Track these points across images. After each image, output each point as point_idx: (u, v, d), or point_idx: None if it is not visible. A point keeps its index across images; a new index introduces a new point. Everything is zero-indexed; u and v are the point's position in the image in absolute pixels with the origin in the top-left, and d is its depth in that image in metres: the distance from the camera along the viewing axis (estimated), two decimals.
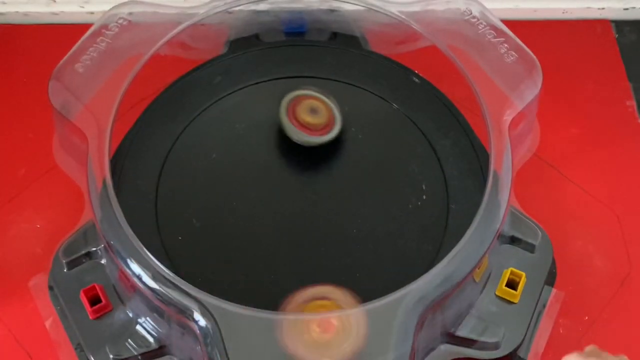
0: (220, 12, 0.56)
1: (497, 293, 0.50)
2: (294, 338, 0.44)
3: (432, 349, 0.49)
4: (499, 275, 0.50)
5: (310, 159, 0.54)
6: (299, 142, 0.53)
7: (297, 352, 0.43)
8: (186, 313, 0.45)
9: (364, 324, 0.44)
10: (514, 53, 0.54)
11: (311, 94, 0.54)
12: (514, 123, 0.51)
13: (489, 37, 0.54)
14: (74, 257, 0.50)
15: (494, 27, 0.55)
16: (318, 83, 0.56)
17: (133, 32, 0.55)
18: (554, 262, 0.51)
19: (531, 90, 0.53)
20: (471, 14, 0.56)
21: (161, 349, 0.48)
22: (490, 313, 0.49)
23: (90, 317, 0.48)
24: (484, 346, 0.48)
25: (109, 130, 0.50)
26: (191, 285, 0.45)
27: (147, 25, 0.55)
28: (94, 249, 0.50)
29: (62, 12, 0.66)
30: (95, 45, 0.53)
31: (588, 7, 0.67)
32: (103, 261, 0.50)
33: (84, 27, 0.55)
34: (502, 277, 0.50)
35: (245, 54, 0.58)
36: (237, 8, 0.58)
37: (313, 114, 0.53)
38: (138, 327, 0.48)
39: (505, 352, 0.48)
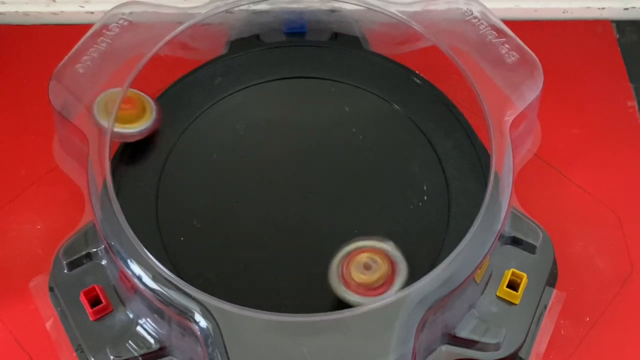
0: (221, 12, 0.56)
1: (498, 294, 0.50)
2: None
3: (433, 350, 0.49)
4: (500, 276, 0.50)
5: (311, 159, 0.54)
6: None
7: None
8: (187, 314, 0.44)
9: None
10: (515, 53, 0.54)
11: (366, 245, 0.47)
12: (515, 123, 0.51)
13: (489, 37, 0.54)
14: (74, 258, 0.50)
15: (494, 28, 0.55)
16: (319, 83, 0.56)
17: (134, 32, 0.54)
18: (555, 263, 0.51)
19: (532, 91, 0.52)
20: (472, 14, 0.56)
21: (162, 350, 0.48)
22: (491, 314, 0.49)
23: (91, 319, 0.48)
24: (485, 347, 0.48)
25: (109, 131, 0.50)
26: (192, 286, 0.45)
27: (147, 25, 0.55)
28: (95, 250, 0.50)
29: (62, 12, 0.66)
30: (95, 45, 0.53)
31: (588, 7, 0.67)
32: (103, 262, 0.50)
33: (84, 27, 0.55)
34: (503, 278, 0.50)
35: (245, 55, 0.58)
36: (237, 8, 0.58)
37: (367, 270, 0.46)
38: (139, 329, 0.48)
39: (507, 353, 0.48)
